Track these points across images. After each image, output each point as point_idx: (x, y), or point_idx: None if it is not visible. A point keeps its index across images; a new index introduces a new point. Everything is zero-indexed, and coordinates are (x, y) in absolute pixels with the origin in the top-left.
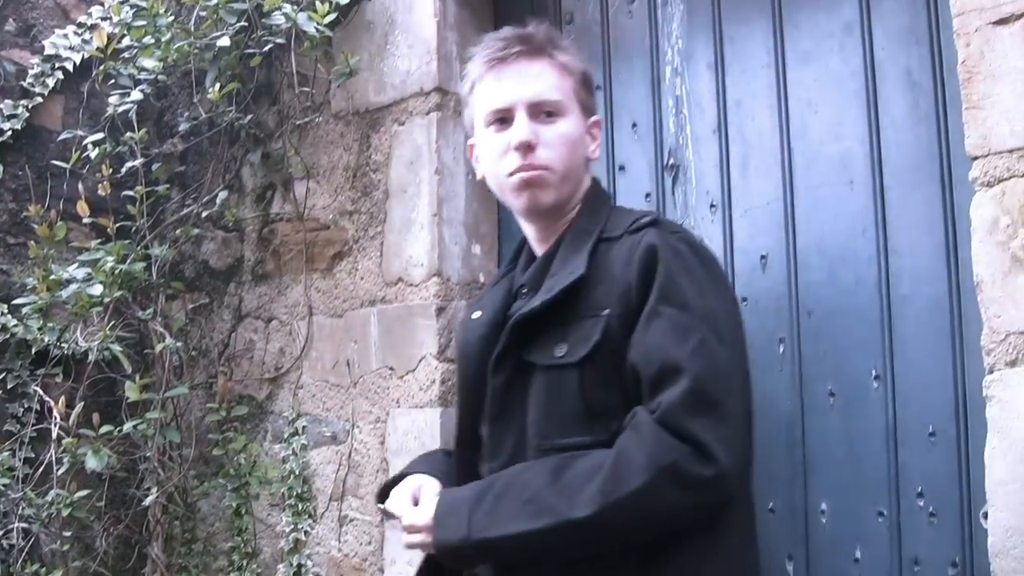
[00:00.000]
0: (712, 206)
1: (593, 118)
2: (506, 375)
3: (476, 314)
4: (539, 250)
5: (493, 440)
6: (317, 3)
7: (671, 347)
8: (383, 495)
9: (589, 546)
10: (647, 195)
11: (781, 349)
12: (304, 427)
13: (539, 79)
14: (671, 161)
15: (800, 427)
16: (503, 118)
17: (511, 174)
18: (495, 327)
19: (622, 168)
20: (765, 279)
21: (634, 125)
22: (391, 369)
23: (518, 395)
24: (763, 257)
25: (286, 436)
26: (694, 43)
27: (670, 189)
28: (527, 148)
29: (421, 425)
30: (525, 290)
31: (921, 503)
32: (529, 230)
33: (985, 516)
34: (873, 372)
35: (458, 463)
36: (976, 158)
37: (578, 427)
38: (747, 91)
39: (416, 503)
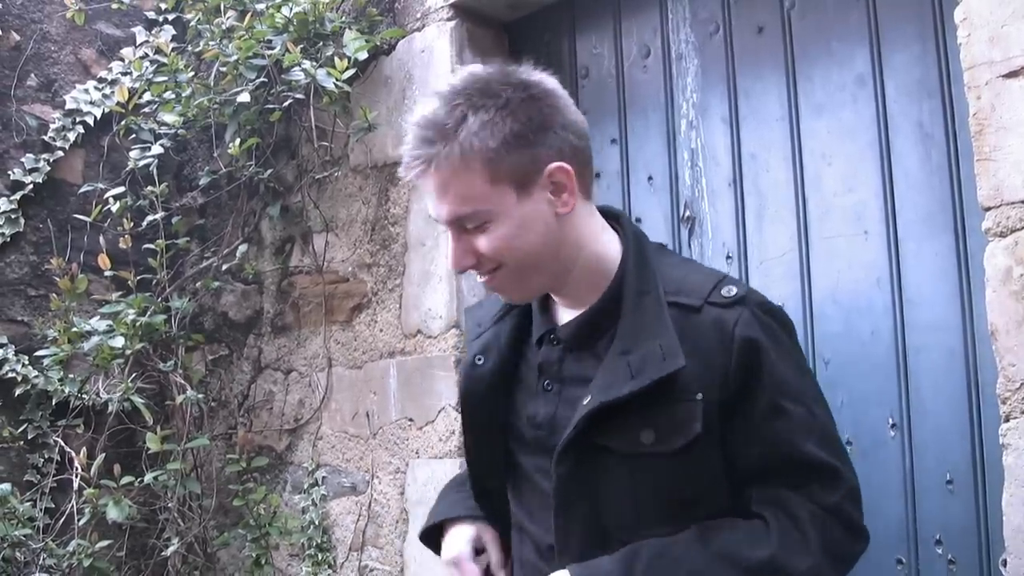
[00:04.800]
0: (728, 257)
1: (550, 167)
2: (572, 462)
3: (479, 360)
4: (561, 300)
5: (559, 531)
6: (336, 59)
7: (802, 441)
8: (428, 538)
9: None
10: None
11: None
12: (324, 478)
13: (446, 197)
14: (687, 213)
15: None
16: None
17: None
18: (503, 378)
19: (638, 220)
20: None
21: (650, 178)
22: (410, 420)
23: (585, 481)
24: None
25: (306, 487)
26: (709, 97)
27: (686, 241)
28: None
29: (440, 476)
30: (556, 341)
31: (940, 551)
32: None
33: (1004, 564)
34: (890, 421)
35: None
36: (988, 209)
37: (667, 517)
38: (761, 144)
39: (479, 553)
